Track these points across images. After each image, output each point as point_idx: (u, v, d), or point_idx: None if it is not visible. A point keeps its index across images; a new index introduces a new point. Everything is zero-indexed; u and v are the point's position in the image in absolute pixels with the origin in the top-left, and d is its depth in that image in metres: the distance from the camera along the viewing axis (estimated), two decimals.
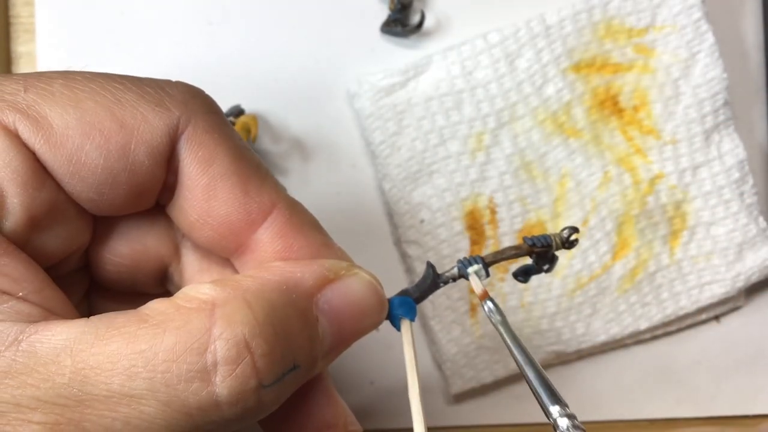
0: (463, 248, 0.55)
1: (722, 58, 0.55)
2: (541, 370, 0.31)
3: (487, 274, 0.35)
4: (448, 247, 0.55)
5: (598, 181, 0.55)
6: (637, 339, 0.57)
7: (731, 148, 0.56)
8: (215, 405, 0.27)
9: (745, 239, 0.56)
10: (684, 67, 0.55)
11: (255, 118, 0.53)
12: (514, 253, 0.36)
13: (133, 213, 0.34)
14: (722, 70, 0.55)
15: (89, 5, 0.55)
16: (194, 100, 0.32)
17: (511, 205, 0.55)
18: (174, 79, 0.33)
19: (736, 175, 0.56)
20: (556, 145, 0.55)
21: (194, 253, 0.36)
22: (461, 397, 0.57)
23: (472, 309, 0.55)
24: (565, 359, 0.57)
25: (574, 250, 0.55)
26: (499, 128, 0.54)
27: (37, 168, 0.29)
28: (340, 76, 0.56)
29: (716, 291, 0.56)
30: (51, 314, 0.29)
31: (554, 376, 0.56)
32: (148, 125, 0.30)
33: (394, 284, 0.36)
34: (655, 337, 0.58)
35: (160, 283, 0.37)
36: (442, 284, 0.35)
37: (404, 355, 0.33)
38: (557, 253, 0.37)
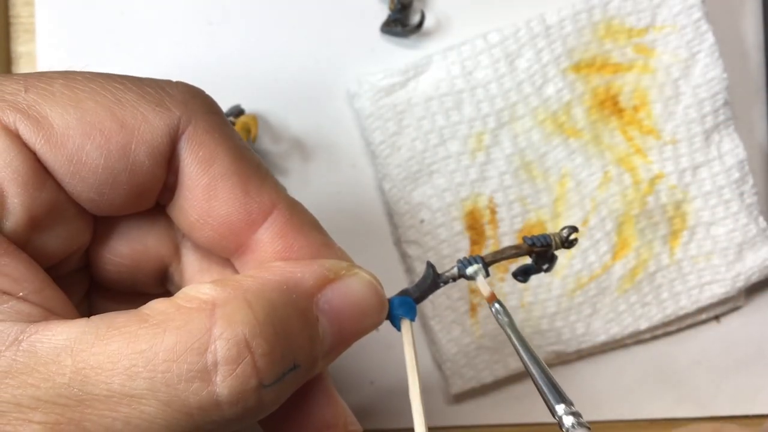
0: (463, 248, 0.55)
1: (722, 58, 0.55)
2: (546, 370, 0.32)
3: (487, 274, 0.35)
4: (448, 247, 0.55)
5: (598, 181, 0.55)
6: (637, 339, 0.57)
7: (731, 148, 0.56)
8: (216, 405, 0.27)
9: (745, 239, 0.56)
10: (684, 67, 0.55)
11: (255, 118, 0.53)
12: (514, 252, 0.36)
13: (134, 213, 0.34)
14: (722, 70, 0.55)
15: (89, 5, 0.55)
16: (195, 100, 0.32)
17: (511, 205, 0.55)
18: (174, 79, 0.33)
19: (736, 175, 0.56)
20: (556, 145, 0.55)
21: (194, 253, 0.36)
22: (461, 397, 0.57)
23: (472, 309, 0.55)
24: (565, 359, 0.57)
25: (574, 250, 0.55)
26: (499, 128, 0.54)
27: (38, 168, 0.29)
28: (340, 76, 0.56)
29: (716, 291, 0.56)
30: (51, 314, 0.29)
31: (554, 376, 0.56)
32: (149, 125, 0.30)
33: (394, 284, 0.36)
34: (655, 337, 0.58)
35: (161, 283, 0.37)
36: (442, 284, 0.35)
37: (405, 354, 0.33)
38: (557, 252, 0.37)
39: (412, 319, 0.34)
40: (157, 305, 0.28)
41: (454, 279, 0.35)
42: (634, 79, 0.55)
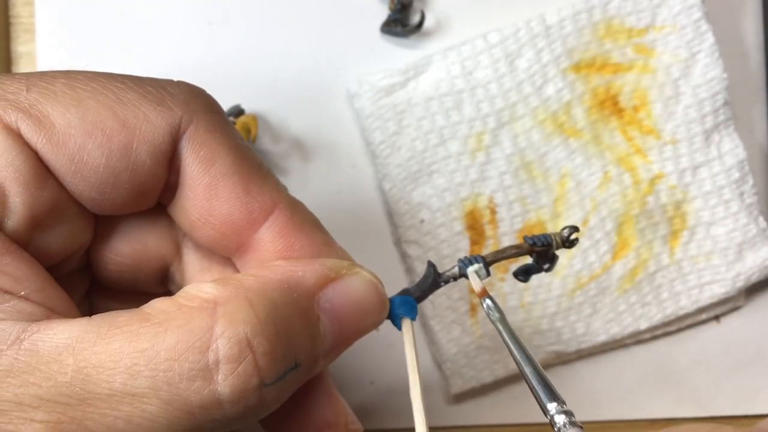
0: (463, 248, 0.55)
1: (722, 58, 0.55)
2: (538, 368, 0.32)
3: (488, 273, 0.35)
4: (448, 247, 0.55)
5: (598, 181, 0.55)
6: (637, 339, 0.57)
7: (731, 148, 0.56)
8: (217, 403, 0.27)
9: (745, 239, 0.56)
10: (684, 67, 0.55)
11: (255, 118, 0.53)
12: (515, 252, 0.36)
13: (135, 212, 0.34)
14: (722, 70, 0.55)
15: (89, 5, 0.55)
16: (196, 100, 0.32)
17: (511, 205, 0.55)
18: (174, 79, 0.33)
19: (736, 175, 0.56)
20: (556, 145, 0.55)
21: (195, 253, 0.36)
22: (461, 397, 0.57)
23: (472, 309, 0.55)
24: (565, 359, 0.57)
25: (574, 250, 0.55)
26: (499, 128, 0.54)
27: (40, 167, 0.29)
28: (340, 76, 0.56)
29: (716, 291, 0.56)
30: (53, 313, 0.29)
31: (554, 376, 0.56)
32: (150, 125, 0.30)
33: (395, 284, 0.36)
34: (655, 337, 0.58)
35: (162, 283, 0.37)
36: (443, 283, 0.35)
37: (405, 354, 0.33)
38: (557, 252, 0.37)
39: (413, 319, 0.34)
40: (158, 304, 0.28)
41: (455, 278, 0.35)
42: (634, 79, 0.55)
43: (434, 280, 0.35)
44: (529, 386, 0.31)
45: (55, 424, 0.26)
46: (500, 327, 0.33)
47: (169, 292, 0.37)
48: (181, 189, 0.32)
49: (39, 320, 0.28)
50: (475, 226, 0.55)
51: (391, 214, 0.56)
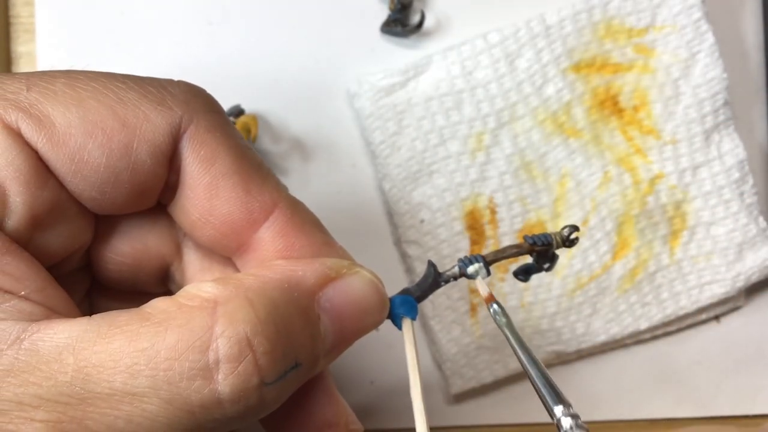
0: (463, 248, 0.55)
1: (722, 58, 0.55)
2: (545, 371, 0.32)
3: (488, 273, 0.35)
4: (448, 247, 0.55)
5: (598, 181, 0.55)
6: (637, 339, 0.57)
7: (731, 148, 0.56)
8: (217, 402, 0.27)
9: (745, 239, 0.56)
10: (684, 67, 0.55)
11: (255, 118, 0.53)
12: (515, 251, 0.36)
13: (135, 212, 0.34)
14: (722, 70, 0.55)
15: (89, 5, 0.55)
16: (196, 99, 0.32)
17: (511, 205, 0.55)
18: (174, 79, 0.33)
19: (736, 175, 0.56)
20: (556, 145, 0.55)
21: (196, 252, 0.36)
22: (461, 397, 0.57)
23: (472, 309, 0.55)
24: (565, 359, 0.57)
25: (574, 250, 0.55)
26: (499, 128, 0.54)
27: (40, 167, 0.29)
28: (340, 76, 0.56)
29: (716, 291, 0.56)
30: (53, 313, 0.29)
31: (554, 376, 0.56)
32: (151, 124, 0.30)
33: (395, 284, 0.36)
34: (655, 337, 0.58)
35: (162, 282, 0.37)
36: (443, 283, 0.35)
37: (406, 354, 0.33)
38: (557, 251, 0.37)
39: (414, 318, 0.34)
40: (158, 304, 0.28)
41: (456, 278, 0.35)
42: (634, 79, 0.55)
43: (434, 279, 0.35)
44: (535, 389, 0.31)
45: (56, 423, 0.26)
46: (507, 332, 0.33)
47: (169, 292, 0.37)
48: (182, 189, 0.32)
49: (39, 320, 0.28)
50: (475, 226, 0.55)
51: (391, 214, 0.56)
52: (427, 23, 0.55)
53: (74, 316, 0.29)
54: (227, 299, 0.28)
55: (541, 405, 0.31)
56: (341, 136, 0.56)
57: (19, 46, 0.56)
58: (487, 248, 0.55)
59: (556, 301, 0.55)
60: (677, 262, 0.56)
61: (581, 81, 0.55)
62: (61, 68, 0.32)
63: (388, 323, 0.34)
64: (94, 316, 0.28)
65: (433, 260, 0.36)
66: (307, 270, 0.31)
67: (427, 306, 0.54)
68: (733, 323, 0.59)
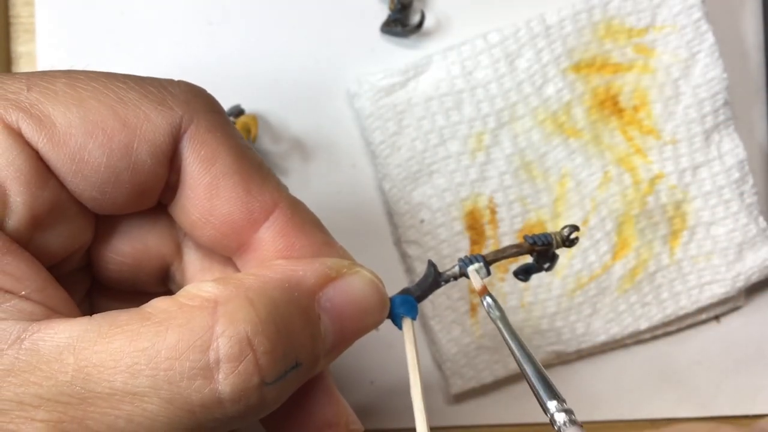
0: (463, 248, 0.55)
1: (722, 58, 0.55)
2: (539, 366, 0.32)
3: (488, 273, 0.35)
4: (448, 247, 0.55)
5: (598, 181, 0.55)
6: (637, 339, 0.57)
7: (731, 148, 0.56)
8: (218, 402, 0.27)
9: (745, 239, 0.56)
10: (684, 67, 0.55)
11: (255, 118, 0.53)
12: (515, 251, 0.36)
13: (135, 212, 0.34)
14: (722, 70, 0.55)
15: (89, 5, 0.55)
16: (196, 99, 0.32)
17: (511, 205, 0.55)
18: (174, 79, 0.33)
19: (736, 175, 0.56)
20: (556, 145, 0.55)
21: (196, 252, 0.36)
22: (461, 397, 0.57)
23: (473, 309, 0.55)
24: (565, 359, 0.57)
25: (574, 250, 0.55)
26: (499, 128, 0.54)
27: (40, 167, 0.29)
28: (340, 76, 0.56)
29: (716, 291, 0.56)
30: (53, 313, 0.29)
31: (554, 376, 0.56)
32: (151, 124, 0.30)
33: (395, 284, 0.36)
34: (655, 337, 0.58)
35: (162, 282, 0.37)
36: (443, 283, 0.35)
37: (406, 353, 0.33)
38: (557, 251, 0.37)
39: (414, 318, 0.34)
40: (159, 303, 0.28)
41: (456, 278, 0.35)
42: (634, 79, 0.55)
43: (434, 279, 0.35)
44: (529, 384, 0.31)
45: (56, 423, 0.26)
46: (500, 325, 0.33)
47: (169, 292, 0.37)
48: (182, 188, 0.32)
49: (40, 320, 0.28)
50: (475, 226, 0.55)
51: (391, 214, 0.56)
52: (427, 23, 0.55)
53: (75, 316, 0.29)
54: (228, 299, 0.28)
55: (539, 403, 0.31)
56: (341, 136, 0.56)
57: (19, 46, 0.56)
58: (487, 248, 0.55)
59: (556, 301, 0.55)
60: (677, 262, 0.56)
61: (581, 81, 0.55)
62: (61, 68, 0.32)
63: (388, 323, 0.34)
64: (94, 315, 0.28)
65: (433, 260, 0.36)
66: (307, 270, 0.31)
67: (427, 306, 0.54)
68: (733, 323, 0.59)
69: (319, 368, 0.32)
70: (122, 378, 0.26)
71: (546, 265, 0.37)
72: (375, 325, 0.33)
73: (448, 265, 0.36)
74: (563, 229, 0.36)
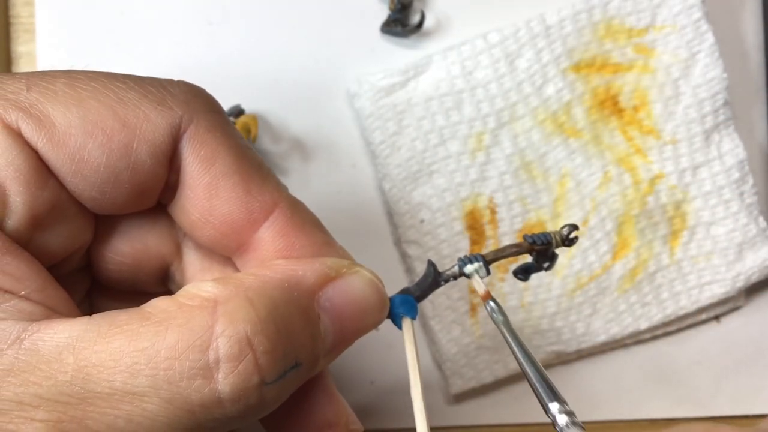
0: (463, 248, 0.55)
1: (722, 58, 0.55)
2: (541, 369, 0.32)
3: (488, 272, 0.35)
4: (448, 247, 0.55)
5: (598, 181, 0.55)
6: (637, 339, 0.57)
7: (731, 148, 0.56)
8: (218, 402, 0.27)
9: (745, 239, 0.56)
10: (684, 67, 0.55)
11: (255, 118, 0.53)
12: (515, 250, 0.36)
13: (135, 212, 0.34)
14: (722, 70, 0.55)
15: (89, 5, 0.55)
16: (196, 99, 0.32)
17: (511, 205, 0.55)
18: (174, 79, 0.33)
19: (736, 175, 0.56)
20: (556, 145, 0.55)
21: (196, 252, 0.36)
22: (461, 397, 0.57)
23: (472, 309, 0.55)
24: (565, 359, 0.57)
25: (574, 250, 0.55)
26: (499, 128, 0.54)
27: (40, 167, 0.29)
28: (340, 76, 0.56)
29: (716, 291, 0.56)
30: (53, 313, 0.29)
31: (554, 376, 0.56)
32: (151, 124, 0.30)
33: (395, 284, 0.36)
34: (655, 337, 0.58)
35: (162, 282, 0.37)
36: (443, 282, 0.35)
37: (406, 353, 0.33)
38: (557, 251, 0.37)
39: (414, 318, 0.34)
40: (158, 303, 0.28)
41: (455, 277, 0.35)
42: (634, 79, 0.55)
43: (434, 279, 0.35)
44: (531, 387, 0.31)
45: (56, 423, 0.26)
46: (504, 329, 0.33)
47: (169, 292, 0.37)
48: (182, 188, 0.32)
49: (39, 320, 0.28)
50: (475, 226, 0.55)
51: (391, 214, 0.56)
52: (427, 23, 0.55)
53: (74, 316, 0.29)
54: (227, 299, 0.28)
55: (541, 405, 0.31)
56: (341, 136, 0.56)
57: (19, 46, 0.56)
58: (487, 248, 0.55)
59: (556, 301, 0.55)
60: (677, 262, 0.56)
61: (581, 81, 0.55)
62: (61, 68, 0.32)
63: (388, 323, 0.34)
64: (94, 315, 0.28)
65: (433, 260, 0.36)
66: (307, 269, 0.31)
67: (427, 306, 0.54)
68: (733, 323, 0.59)
69: (319, 368, 0.32)
70: (122, 378, 0.26)
71: (545, 265, 0.37)
72: (375, 325, 0.33)
73: (448, 265, 0.36)
74: (563, 228, 0.36)
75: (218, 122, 0.32)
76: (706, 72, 0.55)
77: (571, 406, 0.30)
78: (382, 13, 0.55)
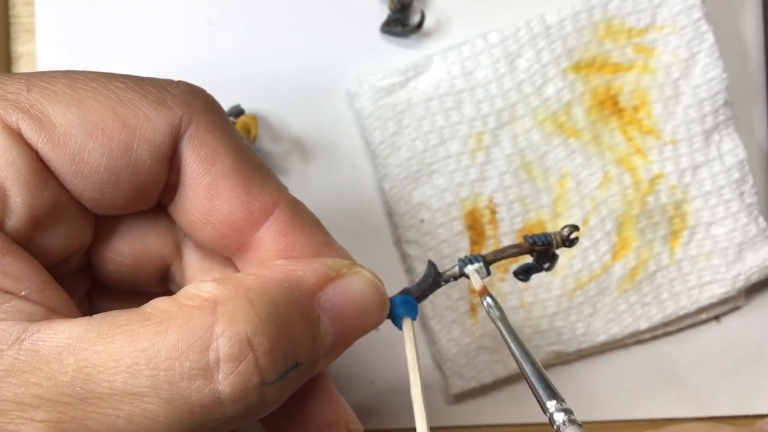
0: (463, 248, 0.55)
1: (722, 58, 0.55)
2: (538, 366, 0.32)
3: (488, 273, 0.35)
4: (448, 247, 0.55)
5: (598, 181, 0.55)
6: (637, 339, 0.57)
7: (731, 148, 0.56)
8: (218, 402, 0.27)
9: (745, 239, 0.56)
10: (684, 67, 0.55)
11: (255, 118, 0.53)
12: (515, 251, 0.36)
13: (135, 212, 0.34)
14: (722, 70, 0.55)
15: (89, 5, 0.55)
16: (196, 100, 0.32)
17: (511, 205, 0.55)
18: (175, 79, 0.33)
19: (736, 175, 0.56)
20: (556, 145, 0.55)
21: (196, 253, 0.36)
22: (461, 397, 0.57)
23: (472, 309, 0.55)
24: (565, 359, 0.57)
25: (574, 250, 0.55)
26: (499, 128, 0.54)
27: (40, 167, 0.29)
28: (340, 76, 0.56)
29: (716, 291, 0.56)
30: (53, 313, 0.29)
31: (554, 376, 0.56)
32: (151, 124, 0.30)
33: (395, 284, 0.36)
34: (655, 337, 0.58)
35: (162, 283, 0.37)
36: (443, 283, 0.35)
37: (406, 353, 0.33)
38: (557, 251, 0.37)
39: (414, 318, 0.34)
40: (159, 303, 0.29)
41: (456, 278, 0.35)
42: (634, 79, 0.55)
43: (434, 279, 0.35)
44: (528, 384, 0.31)
45: (56, 423, 0.26)
46: (500, 325, 0.33)
47: (169, 292, 0.37)
48: (182, 189, 0.32)
49: (39, 320, 0.28)
50: (475, 226, 0.55)
51: (391, 214, 0.56)
52: (427, 23, 0.55)
53: (74, 317, 0.29)
54: (227, 299, 0.28)
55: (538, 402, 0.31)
56: (341, 136, 0.56)
57: (19, 46, 0.56)
58: (487, 248, 0.55)
59: (556, 301, 0.55)
60: (677, 262, 0.56)
61: (581, 81, 0.55)
62: (61, 68, 0.32)
63: (388, 323, 0.34)
64: (94, 316, 0.28)
65: (433, 260, 0.36)
66: (307, 270, 0.31)
67: (427, 306, 0.54)
68: (733, 323, 0.59)
69: (319, 368, 0.32)
70: (122, 378, 0.26)
71: (546, 265, 0.37)
72: (375, 325, 0.33)
73: (448, 265, 0.36)
74: (563, 229, 0.36)
75: (218, 122, 0.32)
76: (706, 72, 0.55)
77: (571, 406, 0.30)
78: (382, 13, 0.55)
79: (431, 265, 0.35)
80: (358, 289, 0.32)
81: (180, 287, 0.33)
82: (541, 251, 0.36)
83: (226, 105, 0.52)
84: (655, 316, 0.56)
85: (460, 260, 0.35)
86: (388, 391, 0.56)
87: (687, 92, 0.55)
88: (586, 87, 0.55)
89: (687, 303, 0.56)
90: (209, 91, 0.34)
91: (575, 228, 0.36)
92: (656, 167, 0.55)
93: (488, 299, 0.34)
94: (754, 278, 0.56)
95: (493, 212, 0.55)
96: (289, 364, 0.29)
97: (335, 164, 0.56)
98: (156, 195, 0.33)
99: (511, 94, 0.54)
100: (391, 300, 0.34)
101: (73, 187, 0.31)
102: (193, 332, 0.27)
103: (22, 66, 0.56)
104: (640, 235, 0.55)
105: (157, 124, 0.31)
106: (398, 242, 0.56)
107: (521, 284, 0.55)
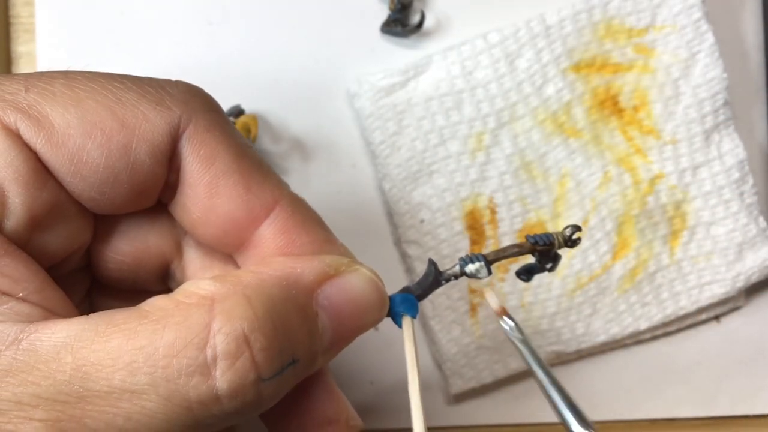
0: (463, 248, 0.55)
1: (722, 58, 0.55)
2: (565, 392, 0.31)
3: (489, 272, 0.35)
4: (448, 247, 0.55)
5: (598, 181, 0.55)
6: (637, 339, 0.57)
7: (731, 148, 0.56)
8: (215, 399, 0.27)
9: (745, 239, 0.56)
10: (684, 67, 0.55)
11: (255, 118, 0.53)
12: (517, 251, 0.36)
13: (135, 211, 0.34)
14: (722, 70, 0.55)
15: (89, 5, 0.55)
16: (195, 99, 0.32)
17: (511, 205, 0.55)
18: (174, 79, 0.33)
19: (736, 175, 0.56)
20: (556, 145, 0.55)
21: (196, 251, 0.36)
22: (461, 397, 0.57)
23: (472, 309, 0.55)
24: (565, 359, 0.57)
25: (574, 250, 0.55)
26: (499, 128, 0.54)
27: (39, 168, 0.30)
28: (340, 76, 0.56)
29: (716, 291, 0.56)
30: (51, 314, 0.29)
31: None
32: (149, 124, 0.30)
33: (395, 284, 0.36)
34: (655, 337, 0.58)
35: (162, 281, 0.37)
36: (443, 282, 0.35)
37: (405, 352, 0.33)
38: (559, 251, 0.37)
39: (414, 316, 0.34)
40: (156, 301, 0.29)
41: (456, 277, 0.35)
42: (634, 79, 0.55)
43: (435, 278, 0.35)
44: (554, 410, 0.31)
45: (55, 422, 0.26)
46: (522, 348, 0.33)
47: (169, 291, 0.37)
48: (182, 187, 0.33)
49: (37, 321, 0.28)
50: (475, 226, 0.55)
51: (391, 214, 0.56)
52: (427, 23, 0.55)
53: (73, 317, 0.29)
54: (225, 296, 0.28)
55: (542, 404, 0.31)
56: (341, 136, 0.56)
57: (19, 46, 0.56)
58: (487, 248, 0.55)
59: (556, 301, 0.55)
60: (677, 262, 0.56)
61: (581, 81, 0.55)
62: (60, 68, 0.32)
63: (387, 323, 0.34)
64: (91, 315, 0.28)
65: (433, 260, 0.36)
66: (305, 267, 0.31)
67: (427, 306, 0.54)
68: (733, 323, 0.59)
69: (317, 365, 0.32)
70: (120, 376, 0.26)
71: (548, 266, 0.37)
72: (374, 323, 0.33)
73: (448, 265, 0.36)
74: (565, 229, 0.36)
75: (217, 121, 0.32)
76: (706, 72, 0.55)
77: None
78: (382, 13, 0.55)
79: (432, 263, 0.35)
80: (357, 287, 0.32)
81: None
82: (543, 251, 0.36)
83: (226, 105, 0.52)
84: (655, 316, 0.56)
85: (461, 259, 0.35)
86: (388, 391, 0.56)
87: (687, 92, 0.55)
88: (586, 87, 0.55)
89: (687, 303, 0.56)
90: (209, 91, 0.34)
91: (577, 228, 0.36)
92: (656, 167, 0.55)
93: (509, 321, 0.33)
94: (754, 278, 0.56)
95: (493, 212, 0.55)
96: (285, 361, 0.29)
97: (335, 164, 0.56)
98: (155, 194, 0.33)
99: (511, 94, 0.54)
100: (391, 298, 0.34)
101: (72, 187, 0.31)
102: (190, 330, 0.27)
103: (22, 66, 0.56)
104: (640, 235, 0.55)
105: (156, 123, 0.31)
106: (398, 242, 0.56)
107: (521, 284, 0.55)
